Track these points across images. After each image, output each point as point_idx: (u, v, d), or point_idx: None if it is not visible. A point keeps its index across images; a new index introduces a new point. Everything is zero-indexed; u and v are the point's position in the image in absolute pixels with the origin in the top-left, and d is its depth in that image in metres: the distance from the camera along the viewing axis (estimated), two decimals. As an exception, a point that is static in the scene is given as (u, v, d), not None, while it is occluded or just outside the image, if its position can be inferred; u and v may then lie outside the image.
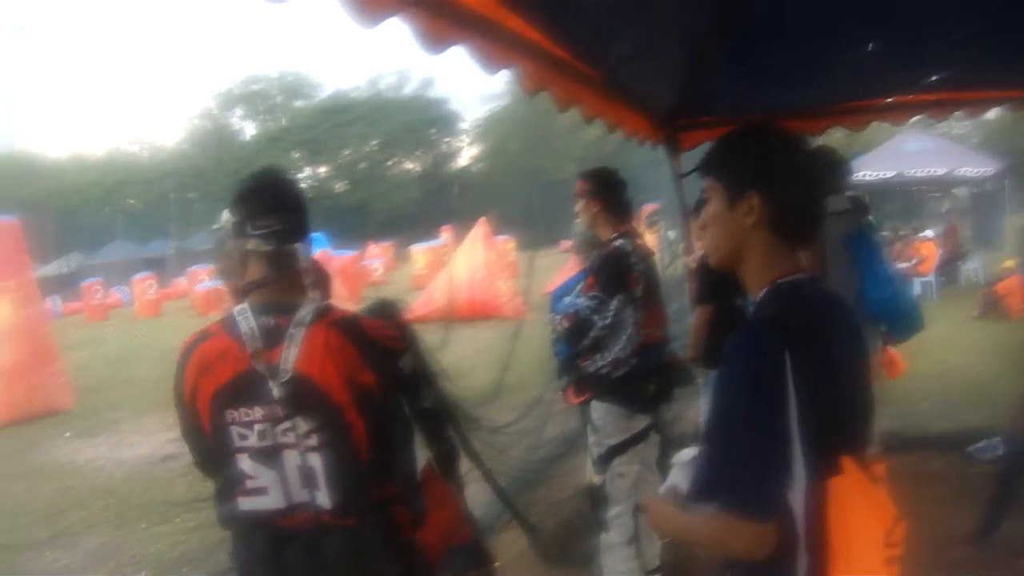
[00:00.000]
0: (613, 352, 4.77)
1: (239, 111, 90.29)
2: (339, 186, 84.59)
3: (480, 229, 23.76)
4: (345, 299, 15.46)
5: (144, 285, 40.89)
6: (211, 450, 2.57)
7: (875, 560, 2.06)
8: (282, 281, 2.58)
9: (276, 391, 2.43)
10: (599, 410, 4.96)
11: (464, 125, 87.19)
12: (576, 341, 4.92)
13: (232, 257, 2.65)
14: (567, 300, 5.18)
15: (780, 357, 1.97)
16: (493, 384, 8.81)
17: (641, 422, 4.92)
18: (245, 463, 2.49)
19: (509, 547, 6.26)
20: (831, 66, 5.81)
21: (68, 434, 12.93)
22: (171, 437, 11.38)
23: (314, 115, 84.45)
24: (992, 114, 8.51)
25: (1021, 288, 16.35)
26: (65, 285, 49.13)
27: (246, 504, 2.51)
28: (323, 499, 2.48)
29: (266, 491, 2.49)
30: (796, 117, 7.18)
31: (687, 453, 2.50)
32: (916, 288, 17.67)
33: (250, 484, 2.49)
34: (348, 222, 61.57)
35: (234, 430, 2.48)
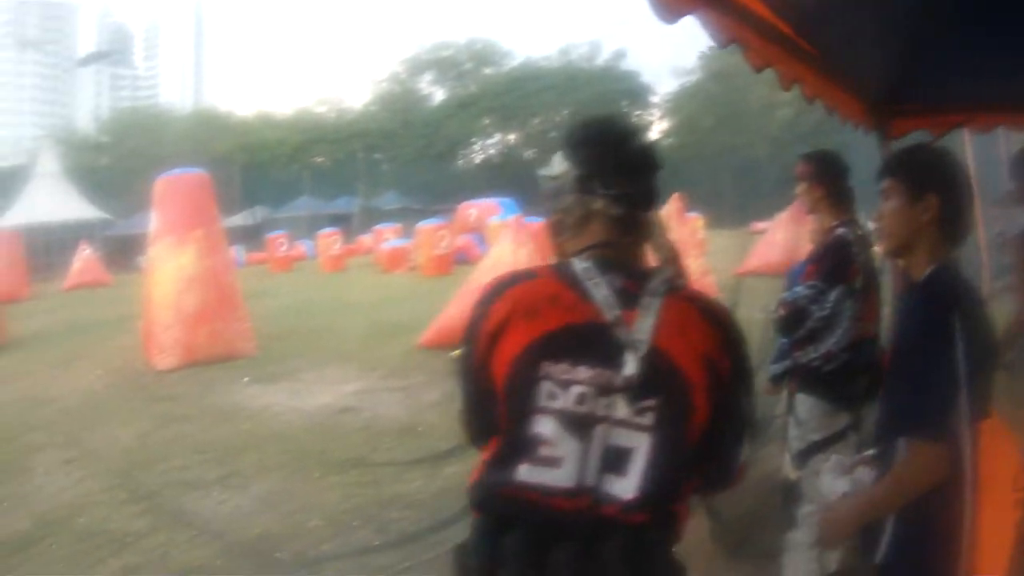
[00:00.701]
0: (827, 345, 4.51)
1: (428, 76, 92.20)
2: (529, 154, 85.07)
3: (673, 205, 23.07)
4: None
5: (329, 240, 41.74)
6: (496, 402, 2.25)
7: (1007, 499, 2.65)
8: (627, 248, 2.33)
9: (631, 362, 2.13)
10: (805, 403, 4.68)
11: (655, 99, 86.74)
12: (791, 331, 4.66)
13: (570, 213, 2.37)
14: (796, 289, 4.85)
15: (951, 314, 2.60)
16: None
17: (843, 420, 4.65)
18: (546, 426, 2.16)
19: (690, 533, 6.12)
20: None
21: (247, 379, 13.09)
22: (352, 390, 11.69)
23: (504, 82, 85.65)
24: None
25: None
26: (250, 236, 51.01)
27: (527, 474, 2.15)
28: (621, 488, 2.14)
29: (559, 463, 2.15)
30: (1010, 111, 6.71)
31: (834, 461, 3.20)
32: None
33: (543, 451, 2.15)
34: (537, 190, 61.55)
35: (545, 386, 2.16)
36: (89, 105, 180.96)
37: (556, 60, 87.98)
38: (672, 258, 2.55)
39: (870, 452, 3.08)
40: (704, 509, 5.51)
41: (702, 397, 2.17)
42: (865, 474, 3.00)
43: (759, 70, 3.92)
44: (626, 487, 2.13)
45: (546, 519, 2.13)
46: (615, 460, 2.14)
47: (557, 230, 2.43)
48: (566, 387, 2.15)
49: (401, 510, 6.99)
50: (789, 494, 4.80)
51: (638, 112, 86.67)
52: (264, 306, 18.60)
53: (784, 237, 22.80)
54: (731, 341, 2.27)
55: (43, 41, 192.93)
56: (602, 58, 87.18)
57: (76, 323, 23.47)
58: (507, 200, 38.81)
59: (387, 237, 42.82)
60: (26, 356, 18.03)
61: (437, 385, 11.11)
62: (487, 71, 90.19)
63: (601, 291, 2.19)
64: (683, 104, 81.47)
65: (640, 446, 2.14)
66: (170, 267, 15.09)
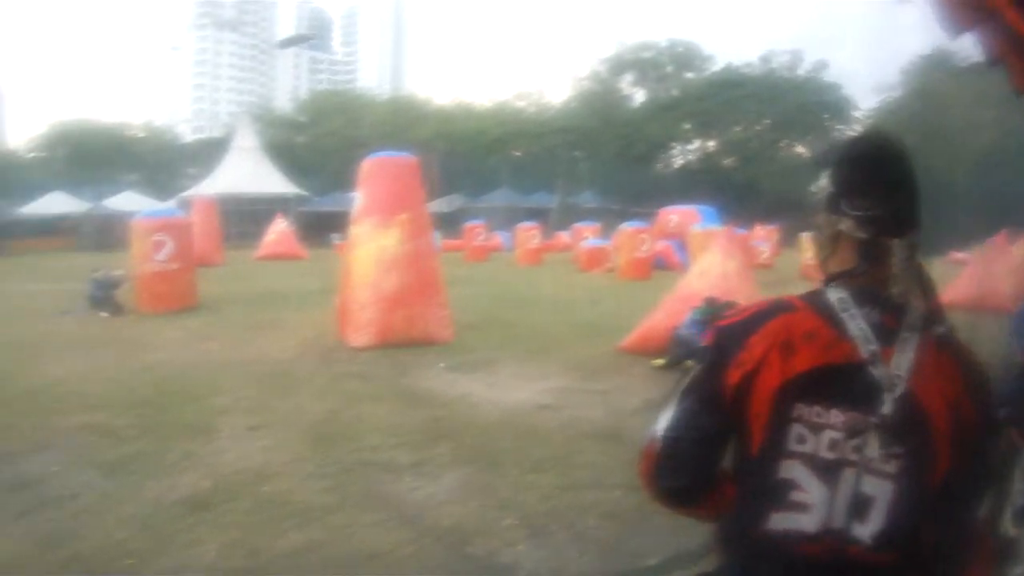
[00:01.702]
0: None
1: (629, 77, 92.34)
2: (728, 162, 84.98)
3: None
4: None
5: (528, 234, 42.31)
6: (726, 440, 2.23)
7: None
8: (875, 276, 2.20)
9: (886, 404, 2.07)
10: None
11: (856, 114, 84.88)
12: None
13: (823, 232, 2.30)
14: None
15: None
16: None
17: None
18: (795, 471, 2.13)
19: None
20: None
21: (443, 365, 13.05)
22: (550, 387, 11.49)
23: (706, 87, 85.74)
24: None
25: None
26: (446, 224, 51.82)
27: (778, 521, 2.13)
28: (863, 531, 2.09)
29: (807, 509, 2.12)
30: None
31: None
32: None
33: (794, 497, 2.12)
34: (735, 199, 60.70)
35: (795, 429, 2.12)
36: (287, 86, 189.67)
37: (758, 67, 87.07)
38: (929, 292, 2.22)
39: None
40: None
41: (946, 446, 2.10)
42: None
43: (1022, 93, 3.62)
44: (864, 531, 2.10)
45: (793, 562, 2.13)
46: (861, 505, 2.11)
47: (817, 248, 2.37)
48: (818, 431, 2.12)
49: (600, 519, 6.69)
50: (1005, 550, 4.36)
51: (839, 126, 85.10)
52: (459, 294, 18.59)
53: (987, 270, 21.76)
54: (979, 387, 2.18)
55: (241, 23, 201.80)
56: (803, 68, 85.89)
57: (267, 292, 24.20)
58: (708, 208, 38.43)
59: (586, 236, 43.14)
60: (216, 319, 18.83)
61: (638, 392, 10.90)
62: (688, 75, 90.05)
63: (857, 325, 2.14)
64: (884, 121, 79.43)
65: (884, 494, 2.10)
66: (372, 247, 15.23)
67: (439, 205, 61.88)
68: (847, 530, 2.10)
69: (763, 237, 42.61)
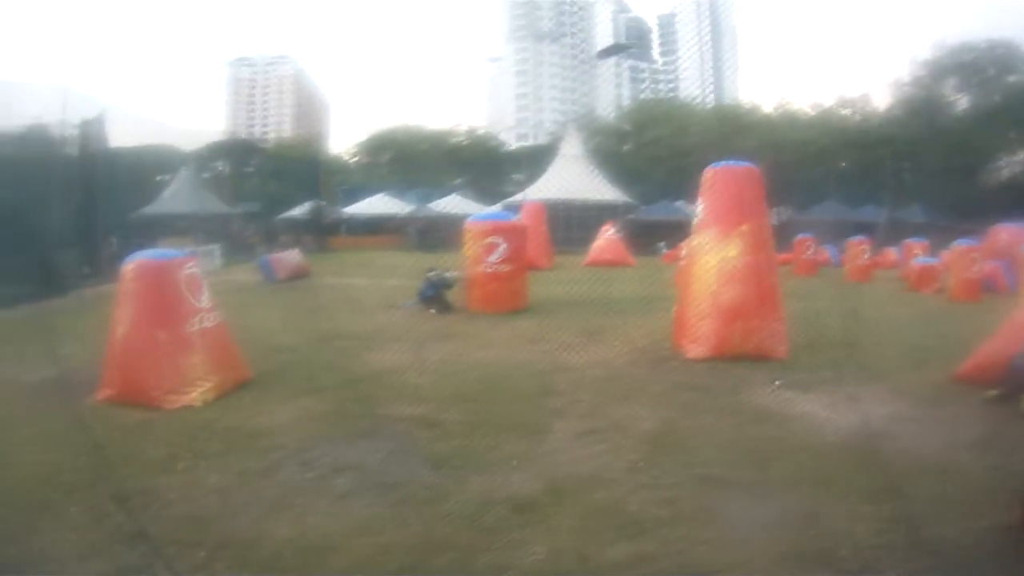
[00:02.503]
0: None
1: (951, 82, 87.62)
2: None
3: None
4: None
5: (859, 248, 40.90)
6: None
7: None
8: None
9: None
10: None
11: None
12: None
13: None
14: None
15: None
16: None
17: None
18: None
19: None
20: None
21: (778, 382, 12.83)
22: (884, 413, 11.06)
23: None
24: None
25: None
26: (775, 236, 50.95)
27: None
28: None
29: None
30: None
31: None
32: None
33: None
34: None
35: None
36: (609, 95, 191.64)
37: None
38: None
39: None
40: None
41: None
42: None
43: None
44: None
45: None
46: None
47: None
48: None
49: (933, 557, 6.44)
50: None
51: None
52: (792, 309, 18.28)
53: None
54: None
55: (559, 34, 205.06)
56: None
57: (596, 298, 24.41)
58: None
59: (916, 253, 41.14)
60: (547, 322, 19.02)
61: (975, 425, 10.32)
62: (1011, 79, 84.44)
63: None
64: None
65: None
66: (713, 258, 15.18)
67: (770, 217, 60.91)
68: None
69: None
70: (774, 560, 6.37)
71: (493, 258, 21.34)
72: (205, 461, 8.44)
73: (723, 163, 16.28)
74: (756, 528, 6.99)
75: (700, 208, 16.07)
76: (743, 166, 16.26)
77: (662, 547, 6.48)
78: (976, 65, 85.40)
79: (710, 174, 16.05)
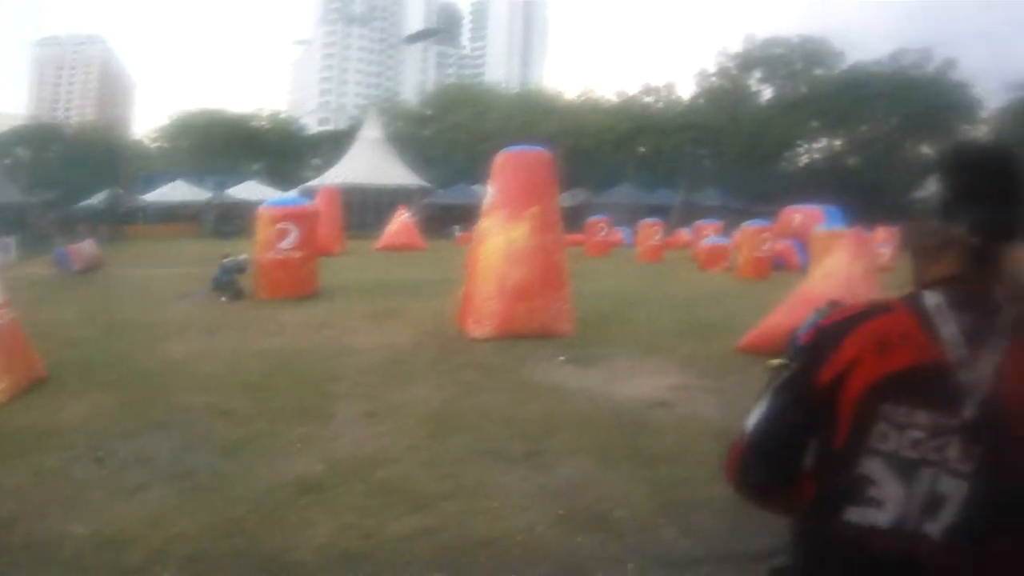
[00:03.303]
0: None
1: (758, 73, 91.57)
2: (853, 161, 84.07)
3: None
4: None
5: (651, 230, 42.41)
6: (813, 435, 2.29)
7: None
8: (980, 282, 2.20)
9: (969, 407, 2.11)
10: None
11: (984, 114, 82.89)
12: None
13: (929, 238, 2.33)
14: None
15: None
16: None
17: None
18: (875, 467, 2.19)
19: None
20: None
21: (562, 359, 13.11)
22: (667, 384, 11.49)
23: (835, 85, 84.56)
24: None
25: None
26: (568, 218, 51.79)
27: (853, 514, 2.20)
28: (934, 529, 2.14)
29: (882, 505, 2.18)
30: None
31: None
32: None
33: (870, 492, 2.19)
34: (860, 200, 59.68)
35: (879, 428, 2.17)
36: (414, 80, 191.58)
37: (887, 66, 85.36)
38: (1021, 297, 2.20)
39: None
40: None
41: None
42: None
43: None
44: (940, 527, 2.14)
45: (866, 557, 2.19)
46: (934, 504, 2.15)
47: (917, 255, 2.41)
48: (902, 430, 2.17)
49: (711, 515, 6.68)
50: None
51: (966, 126, 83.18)
52: (580, 289, 18.60)
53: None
54: None
55: (371, 18, 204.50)
56: (932, 66, 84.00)
57: (387, 282, 24.60)
58: (832, 208, 37.74)
59: (707, 234, 42.87)
60: (335, 307, 19.23)
61: (754, 391, 10.64)
62: (818, 72, 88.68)
63: (950, 329, 2.17)
64: (1017, 121, 77.33)
65: (959, 493, 2.14)
66: (501, 240, 15.35)
67: (562, 199, 61.94)
68: (919, 527, 2.16)
69: (885, 239, 41.84)
70: (551, 525, 6.51)
71: (284, 244, 21.10)
72: (0, 464, 8.16)
73: (515, 148, 16.57)
74: (534, 497, 7.13)
75: (490, 191, 16.27)
76: (534, 151, 16.54)
77: (443, 520, 6.56)
78: (785, 58, 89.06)
79: (501, 158, 16.26)
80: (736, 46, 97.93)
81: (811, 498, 2.29)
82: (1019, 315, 2.18)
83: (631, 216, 52.81)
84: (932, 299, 2.23)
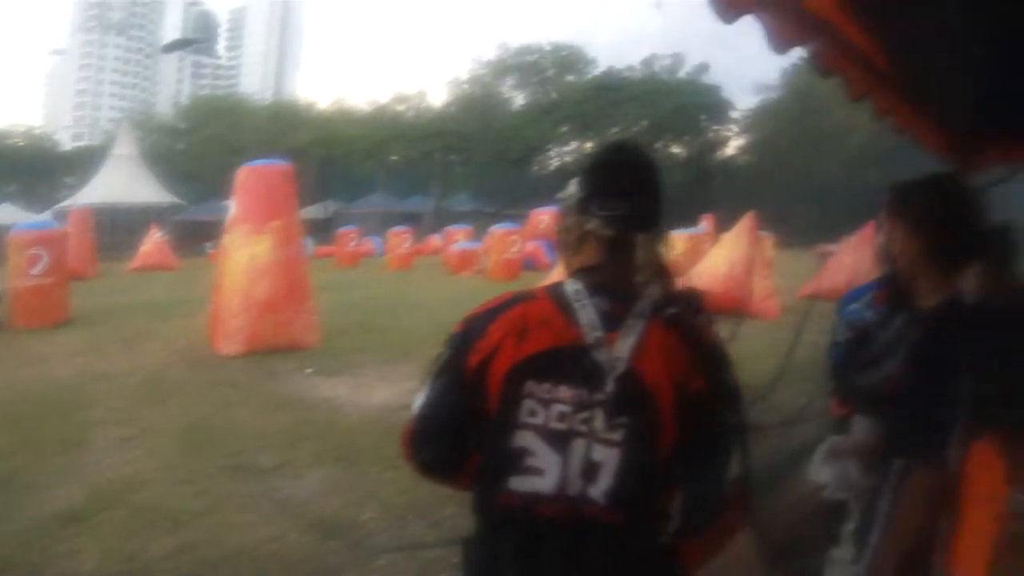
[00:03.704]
0: (888, 369, 4.49)
1: (510, 80, 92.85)
2: None
3: (746, 223, 22.91)
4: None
5: (400, 238, 42.27)
6: (475, 418, 2.36)
7: (987, 513, 2.74)
8: (618, 269, 2.37)
9: (608, 381, 2.26)
10: (861, 425, 4.65)
11: (734, 115, 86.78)
12: (855, 353, 4.71)
13: (570, 233, 2.50)
14: (852, 308, 4.92)
15: (953, 344, 2.84)
16: (758, 384, 9.05)
17: None
18: (529, 440, 2.30)
19: (733, 546, 6.13)
20: None
21: (309, 370, 13.29)
22: (412, 388, 11.65)
23: (586, 91, 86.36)
24: None
25: None
26: (320, 229, 51.62)
27: (516, 483, 2.31)
28: (597, 493, 2.27)
29: (542, 473, 2.30)
30: None
31: (828, 443, 3.68)
32: None
33: (528, 462, 2.30)
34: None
35: (527, 404, 2.30)
36: (170, 92, 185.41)
37: (639, 71, 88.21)
38: (663, 281, 2.46)
39: (859, 438, 3.57)
40: (752, 526, 5.52)
41: (671, 418, 2.27)
42: (851, 467, 3.46)
43: (857, 100, 4.15)
44: (597, 493, 2.26)
45: (534, 522, 2.28)
46: (591, 470, 2.27)
47: (562, 248, 2.56)
48: (548, 405, 2.28)
49: (456, 507, 6.87)
50: (835, 512, 4.82)
51: (716, 127, 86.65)
52: (329, 300, 18.74)
53: (851, 261, 22.45)
54: (708, 364, 2.37)
55: (128, 26, 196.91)
56: (685, 71, 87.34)
57: (140, 304, 24.02)
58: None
59: (457, 239, 43.13)
60: (89, 333, 18.55)
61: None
62: (570, 78, 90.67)
63: (587, 314, 2.31)
64: (762, 121, 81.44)
65: (611, 460, 2.27)
66: (244, 255, 15.33)
67: (314, 211, 61.47)
68: (583, 492, 2.27)
69: None
70: (303, 532, 6.76)
71: (35, 270, 20.35)
72: None
73: (256, 162, 16.56)
74: (285, 506, 7.36)
75: (232, 207, 16.24)
76: (275, 164, 16.61)
77: (201, 535, 6.69)
78: (538, 65, 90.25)
79: (243, 173, 16.23)
80: (490, 54, 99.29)
81: (481, 471, 2.41)
82: (658, 299, 2.38)
83: (383, 225, 52.82)
84: (572, 287, 2.38)
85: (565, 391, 2.28)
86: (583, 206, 2.44)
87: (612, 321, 2.32)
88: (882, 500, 2.96)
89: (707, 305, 2.56)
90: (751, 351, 11.26)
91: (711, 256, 23.19)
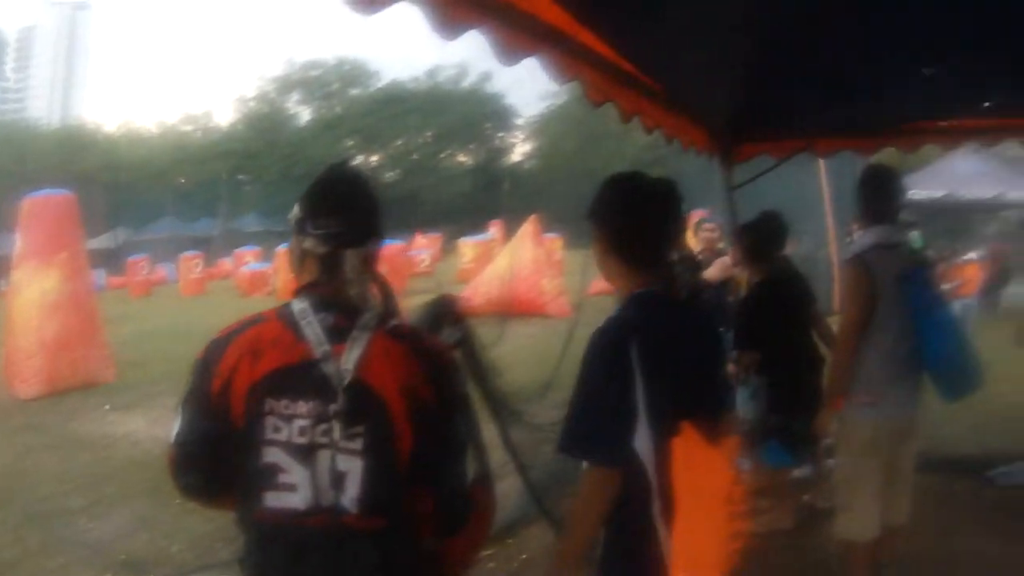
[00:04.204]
0: None
1: (296, 96, 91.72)
2: (390, 176, 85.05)
3: (529, 226, 23.82)
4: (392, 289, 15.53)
5: (190, 264, 41.36)
6: (226, 439, 2.45)
7: (715, 510, 2.88)
8: (337, 285, 2.52)
9: (338, 392, 2.38)
10: None
11: (519, 121, 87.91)
12: None
13: (293, 252, 2.64)
14: None
15: (626, 345, 2.78)
16: (540, 382, 9.05)
17: None
18: (277, 456, 2.41)
19: (536, 541, 6.65)
20: (887, 87, 5.87)
21: (107, 407, 13.15)
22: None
23: (370, 104, 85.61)
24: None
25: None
26: (111, 259, 49.76)
27: (272, 500, 2.42)
28: (349, 502, 2.41)
29: (295, 488, 2.41)
30: (849, 136, 7.42)
31: None
32: (955, 309, 17.75)
33: (281, 479, 2.41)
34: (398, 212, 61.40)
35: (270, 421, 2.41)
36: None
37: (424, 82, 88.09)
38: (384, 295, 2.61)
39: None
40: (546, 518, 5.97)
41: (404, 423, 2.40)
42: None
43: (599, 105, 4.38)
44: (350, 502, 2.39)
45: (296, 535, 2.39)
46: (340, 480, 2.39)
47: (292, 268, 2.68)
48: (289, 421, 2.39)
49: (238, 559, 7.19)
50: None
51: (501, 134, 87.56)
52: (123, 332, 18.47)
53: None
54: (436, 372, 2.50)
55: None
56: (469, 80, 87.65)
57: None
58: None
59: (247, 260, 42.76)
60: None
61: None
62: (354, 92, 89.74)
63: (313, 329, 2.43)
64: (547, 126, 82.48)
65: (355, 469, 2.39)
66: (33, 292, 14.97)
67: (104, 240, 59.44)
68: (336, 502, 2.38)
69: (425, 246, 43.18)
70: (116, 571, 6.88)
71: None
72: None
73: (40, 192, 16.06)
74: (96, 547, 7.42)
75: (18, 241, 15.74)
76: (58, 195, 16.16)
77: (13, 585, 6.62)
78: (323, 80, 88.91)
79: (27, 204, 15.74)
80: (276, 70, 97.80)
81: (238, 490, 2.48)
82: (381, 313, 2.52)
83: (175, 250, 51.29)
84: (298, 305, 2.48)
85: (302, 406, 2.38)
86: (300, 226, 2.56)
87: (338, 334, 2.43)
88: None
89: (464, 311, 2.87)
90: (544, 350, 11.66)
91: (499, 261, 23.88)
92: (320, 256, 2.52)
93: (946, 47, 4.99)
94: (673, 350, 2.93)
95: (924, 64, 5.44)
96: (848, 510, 5.23)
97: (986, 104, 6.42)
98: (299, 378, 2.40)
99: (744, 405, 6.59)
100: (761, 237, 6.72)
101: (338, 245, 2.50)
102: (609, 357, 2.85)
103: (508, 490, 6.95)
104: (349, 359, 2.41)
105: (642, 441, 2.80)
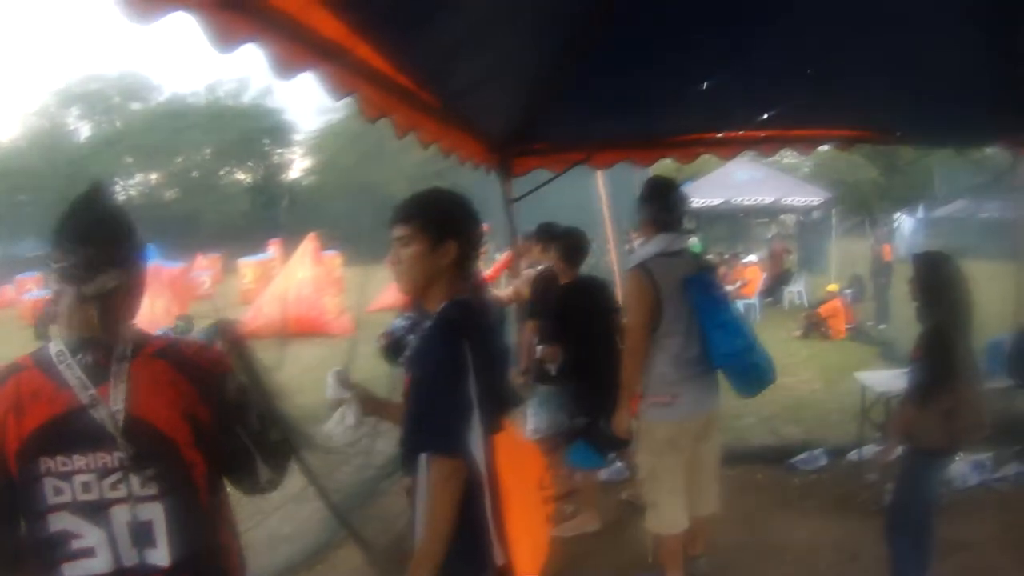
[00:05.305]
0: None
1: (76, 110, 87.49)
2: (170, 194, 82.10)
3: (308, 244, 23.58)
4: (173, 313, 14.96)
5: (-35, 294, 37.54)
6: (10, 505, 2.23)
7: (532, 497, 3.14)
8: (87, 320, 2.28)
9: (115, 437, 2.19)
10: None
11: (298, 136, 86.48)
12: (392, 357, 5.11)
13: (52, 289, 2.39)
14: (395, 322, 5.36)
15: (461, 343, 2.88)
16: (325, 403, 8.85)
17: None
18: (65, 521, 2.19)
19: (345, 564, 6.48)
20: (663, 100, 6.05)
21: None
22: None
23: (150, 119, 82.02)
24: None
25: (842, 311, 17.12)
26: None
27: (71, 570, 2.19)
28: (158, 557, 2.23)
29: (93, 552, 2.19)
30: (626, 147, 7.54)
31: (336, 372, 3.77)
32: (739, 309, 18.49)
33: (75, 545, 2.19)
34: (178, 232, 59.30)
35: (48, 483, 2.18)
36: None
37: (203, 96, 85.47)
38: (123, 323, 2.40)
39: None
40: (353, 540, 5.80)
41: (192, 451, 2.27)
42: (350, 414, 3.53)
43: (374, 120, 4.22)
44: (159, 556, 2.23)
45: None
46: (143, 534, 2.22)
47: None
48: (69, 479, 2.17)
49: None
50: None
51: (280, 150, 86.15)
52: None
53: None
54: (209, 388, 2.36)
55: None
56: (249, 95, 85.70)
57: None
58: (148, 244, 37.19)
59: (29, 288, 40.36)
60: None
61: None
62: (135, 106, 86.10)
63: (74, 373, 2.23)
64: (326, 142, 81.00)
65: (155, 516, 2.22)
66: None
67: None
68: (142, 560, 2.21)
69: (205, 267, 41.60)
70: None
71: None
72: None
73: None
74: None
75: None
76: None
77: None
78: (103, 93, 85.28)
79: None
80: (59, 82, 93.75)
81: (32, 566, 2.25)
82: (131, 339, 2.34)
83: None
84: (55, 348, 2.28)
85: (80, 460, 2.18)
86: (45, 267, 2.43)
87: (100, 374, 2.24)
88: (418, 494, 2.94)
89: (244, 336, 2.61)
90: (330, 370, 11.54)
91: (278, 281, 23.55)
92: (67, 292, 2.29)
93: (723, 61, 5.12)
94: (490, 350, 3.08)
95: (702, 78, 5.56)
96: (655, 506, 5.41)
97: (763, 116, 6.61)
98: (70, 430, 2.18)
99: (536, 413, 6.85)
100: (572, 244, 6.98)
101: (80, 278, 2.28)
102: (447, 354, 2.91)
103: (311, 515, 6.85)
104: (117, 399, 2.22)
105: (474, 435, 2.88)
